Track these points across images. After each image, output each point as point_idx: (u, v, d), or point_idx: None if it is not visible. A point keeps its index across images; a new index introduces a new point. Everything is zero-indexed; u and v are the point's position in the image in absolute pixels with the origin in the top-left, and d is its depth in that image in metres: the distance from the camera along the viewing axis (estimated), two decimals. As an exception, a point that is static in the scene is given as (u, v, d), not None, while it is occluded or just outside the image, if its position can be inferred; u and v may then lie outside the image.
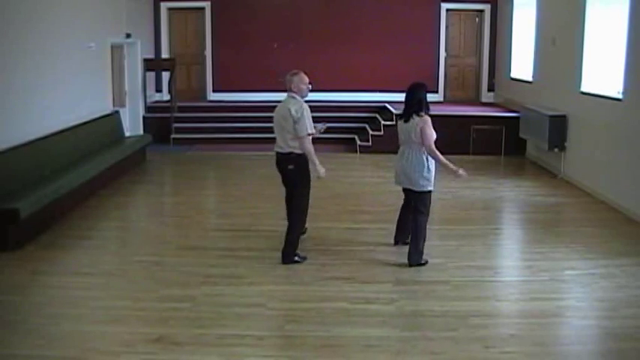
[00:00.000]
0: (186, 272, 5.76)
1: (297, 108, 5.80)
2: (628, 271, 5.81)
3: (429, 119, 5.90)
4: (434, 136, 5.84)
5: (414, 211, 6.05)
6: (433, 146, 5.81)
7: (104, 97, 10.57)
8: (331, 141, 11.58)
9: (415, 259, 5.95)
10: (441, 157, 5.84)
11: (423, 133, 5.81)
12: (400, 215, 6.46)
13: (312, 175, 5.98)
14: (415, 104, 5.92)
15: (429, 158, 5.89)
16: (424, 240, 6.00)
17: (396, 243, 6.47)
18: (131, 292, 5.35)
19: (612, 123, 8.16)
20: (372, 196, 8.64)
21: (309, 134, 5.84)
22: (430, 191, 5.98)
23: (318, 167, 5.88)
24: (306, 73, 6.03)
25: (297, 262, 5.96)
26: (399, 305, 5.10)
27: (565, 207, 8.36)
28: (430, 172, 5.91)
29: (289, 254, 5.97)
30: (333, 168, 10.09)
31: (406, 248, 6.06)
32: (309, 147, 5.84)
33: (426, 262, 5.99)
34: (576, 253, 6.33)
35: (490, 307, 5.13)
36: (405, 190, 6.19)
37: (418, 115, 5.89)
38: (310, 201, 6.04)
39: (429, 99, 6.11)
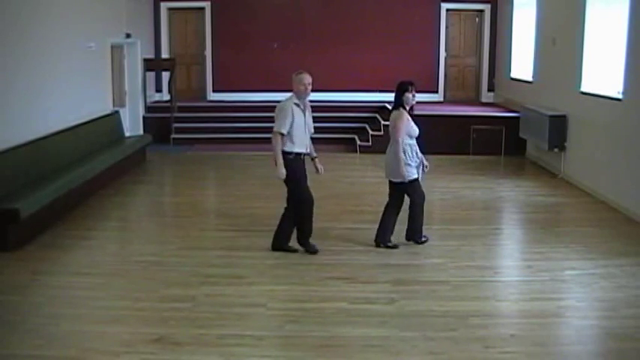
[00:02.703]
0: (186, 272, 5.76)
1: (280, 106, 6.04)
2: (628, 271, 5.81)
3: (403, 113, 6.21)
4: (403, 129, 6.14)
5: (410, 203, 6.37)
6: (399, 139, 6.12)
7: (104, 97, 10.57)
8: (331, 141, 11.59)
9: (417, 237, 6.44)
10: (400, 155, 6.13)
11: (394, 126, 6.19)
12: (383, 214, 6.46)
13: (303, 171, 6.10)
14: (395, 100, 6.29)
15: (408, 148, 6.21)
16: (422, 223, 6.44)
17: (378, 245, 6.41)
18: (131, 292, 5.34)
19: (612, 123, 8.16)
20: (372, 196, 8.62)
21: (280, 133, 5.94)
22: (412, 180, 6.23)
23: (278, 167, 5.95)
24: (310, 74, 6.07)
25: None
26: (399, 305, 5.10)
27: (565, 207, 8.36)
28: (410, 161, 6.20)
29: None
30: (333, 168, 10.11)
31: (387, 250, 6.32)
32: (275, 144, 5.96)
33: (427, 240, 6.50)
34: (576, 253, 6.33)
35: (490, 307, 5.13)
36: (390, 183, 6.41)
37: (397, 110, 6.24)
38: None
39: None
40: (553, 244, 6.62)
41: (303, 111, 6.06)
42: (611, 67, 8.30)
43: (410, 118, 6.24)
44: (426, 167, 6.43)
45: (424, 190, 6.44)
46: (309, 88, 6.00)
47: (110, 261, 6.14)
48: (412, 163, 6.22)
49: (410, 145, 6.22)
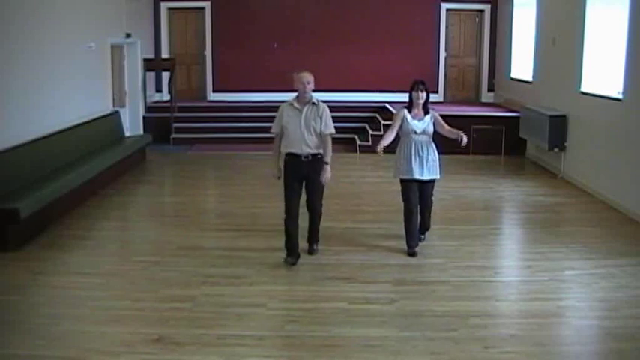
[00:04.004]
0: (186, 272, 5.76)
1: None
2: (628, 271, 5.81)
3: (398, 112, 6.36)
4: (392, 128, 6.31)
5: None
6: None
7: (104, 97, 10.57)
8: (331, 141, 11.56)
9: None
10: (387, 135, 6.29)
11: None
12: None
13: (293, 176, 5.96)
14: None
15: (399, 149, 6.30)
16: (405, 231, 6.31)
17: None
18: (131, 292, 5.35)
19: (612, 123, 8.16)
20: (372, 196, 8.64)
21: (271, 132, 6.14)
22: (400, 180, 6.27)
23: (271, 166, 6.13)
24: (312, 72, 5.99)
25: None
26: (399, 305, 5.10)
27: (565, 207, 8.36)
28: (397, 161, 6.29)
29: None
30: (334, 168, 10.09)
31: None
32: (274, 145, 6.14)
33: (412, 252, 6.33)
34: (576, 253, 6.33)
35: (490, 307, 5.13)
36: None
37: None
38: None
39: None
40: (553, 244, 6.62)
41: (300, 110, 5.92)
42: (611, 67, 8.30)
43: (407, 117, 6.21)
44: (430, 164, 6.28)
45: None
46: (308, 86, 5.87)
47: (110, 261, 6.14)
48: (402, 162, 6.21)
49: (407, 143, 6.21)
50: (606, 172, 8.30)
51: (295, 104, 5.94)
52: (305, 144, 5.89)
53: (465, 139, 6.19)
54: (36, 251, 6.30)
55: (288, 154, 5.95)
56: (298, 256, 5.99)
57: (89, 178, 8.12)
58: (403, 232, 6.36)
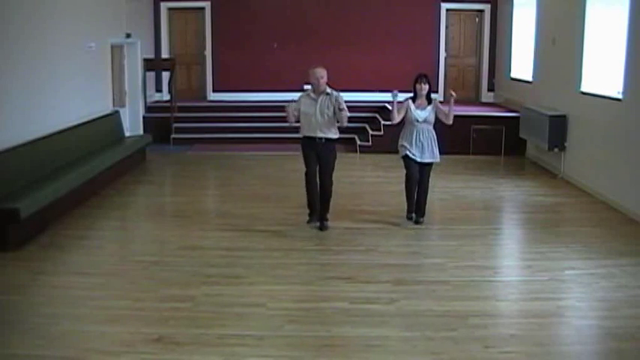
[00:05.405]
0: (186, 272, 5.76)
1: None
2: (628, 271, 5.81)
3: (403, 103, 7.12)
4: (395, 116, 7.08)
5: None
6: (394, 123, 7.20)
7: (104, 97, 10.57)
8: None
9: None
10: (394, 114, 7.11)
11: None
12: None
13: (309, 153, 6.88)
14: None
15: (403, 133, 7.15)
16: (406, 199, 7.21)
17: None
18: (131, 292, 5.34)
19: (612, 123, 8.16)
20: (372, 195, 8.64)
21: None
22: (402, 156, 7.10)
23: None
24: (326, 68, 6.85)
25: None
26: (399, 305, 5.10)
27: (565, 207, 8.36)
28: (404, 141, 7.08)
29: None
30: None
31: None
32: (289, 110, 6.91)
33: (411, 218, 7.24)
34: (576, 253, 6.33)
35: (490, 307, 5.13)
36: None
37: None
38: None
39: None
40: (553, 244, 6.62)
41: (316, 100, 6.77)
42: (611, 67, 8.30)
43: (411, 106, 7.04)
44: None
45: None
46: (322, 81, 6.76)
47: (110, 261, 6.14)
48: (405, 143, 7.02)
49: (410, 129, 7.02)
50: (606, 172, 8.30)
51: (312, 95, 6.86)
52: (320, 129, 6.79)
53: (454, 94, 7.32)
54: (36, 251, 6.30)
55: (305, 137, 6.86)
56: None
57: (89, 178, 8.12)
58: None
